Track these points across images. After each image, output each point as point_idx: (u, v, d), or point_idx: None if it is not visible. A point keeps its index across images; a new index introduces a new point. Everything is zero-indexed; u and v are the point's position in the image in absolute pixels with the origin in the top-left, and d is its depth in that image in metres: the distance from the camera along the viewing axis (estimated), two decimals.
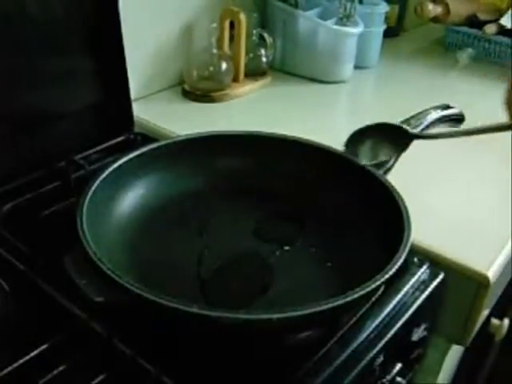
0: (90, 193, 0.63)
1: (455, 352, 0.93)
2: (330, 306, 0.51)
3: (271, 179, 0.76)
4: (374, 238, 0.66)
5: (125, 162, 0.70)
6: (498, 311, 0.96)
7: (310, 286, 0.65)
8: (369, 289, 0.53)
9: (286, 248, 0.69)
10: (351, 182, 0.72)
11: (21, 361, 0.53)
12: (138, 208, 0.71)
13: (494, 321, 0.95)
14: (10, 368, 0.52)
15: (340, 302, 0.51)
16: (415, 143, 0.77)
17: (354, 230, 0.69)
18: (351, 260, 0.66)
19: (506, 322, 0.96)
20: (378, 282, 0.54)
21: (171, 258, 0.67)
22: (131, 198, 0.71)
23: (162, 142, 0.76)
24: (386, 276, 0.55)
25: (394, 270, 0.56)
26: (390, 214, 0.65)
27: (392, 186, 0.68)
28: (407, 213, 0.63)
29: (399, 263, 0.57)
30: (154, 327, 0.56)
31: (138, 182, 0.72)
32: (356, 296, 0.52)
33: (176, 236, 0.70)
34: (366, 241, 0.67)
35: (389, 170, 0.75)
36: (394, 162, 0.75)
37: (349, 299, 0.52)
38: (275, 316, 0.50)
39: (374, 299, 0.63)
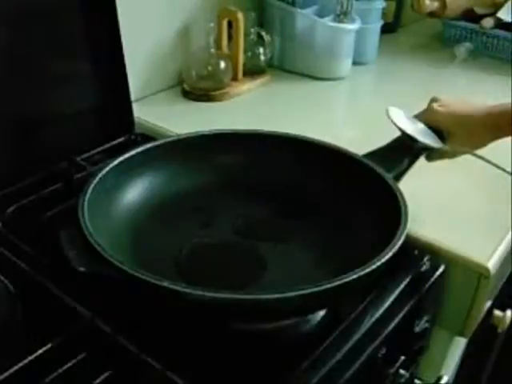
0: (97, 179, 0.66)
1: (459, 344, 0.94)
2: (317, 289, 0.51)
3: (272, 176, 0.77)
4: (371, 227, 0.67)
5: (126, 159, 0.72)
6: (501, 303, 0.96)
7: (305, 277, 0.65)
8: (369, 269, 0.54)
9: (284, 243, 0.70)
10: (349, 176, 0.73)
11: (27, 359, 0.53)
12: (139, 201, 0.72)
13: (497, 312, 0.96)
14: (17, 366, 0.53)
15: (336, 282, 0.52)
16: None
17: (350, 223, 0.70)
18: (349, 253, 0.66)
19: (509, 313, 0.96)
20: (378, 263, 0.54)
21: (169, 248, 0.68)
22: (134, 191, 0.72)
23: (163, 141, 0.77)
24: (386, 257, 0.55)
25: (391, 253, 0.56)
26: (385, 202, 0.65)
27: (387, 176, 0.69)
28: (402, 197, 0.64)
29: (397, 247, 0.57)
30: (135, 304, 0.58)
31: (141, 177, 0.74)
32: (349, 279, 0.53)
33: (177, 227, 0.71)
34: (363, 232, 0.67)
35: (401, 174, 0.74)
36: (407, 168, 0.75)
37: (346, 280, 0.52)
38: (239, 297, 0.51)
39: (374, 293, 0.64)
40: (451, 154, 0.79)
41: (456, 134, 0.76)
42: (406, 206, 0.63)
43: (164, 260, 0.66)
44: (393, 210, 0.63)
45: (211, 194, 0.76)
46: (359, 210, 0.70)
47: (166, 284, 0.51)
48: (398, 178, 0.72)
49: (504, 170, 0.73)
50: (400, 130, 0.75)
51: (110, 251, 0.55)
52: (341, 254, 0.66)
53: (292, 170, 0.77)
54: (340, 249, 0.67)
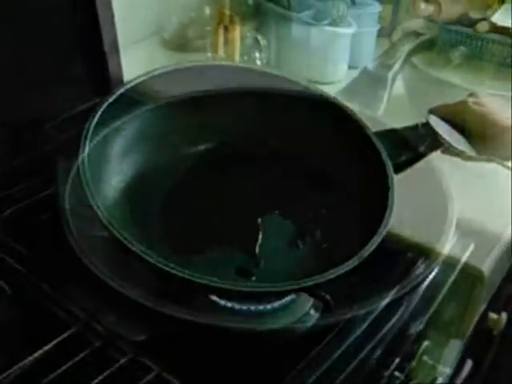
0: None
1: (454, 346, 0.94)
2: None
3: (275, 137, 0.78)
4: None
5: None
6: (496, 306, 0.97)
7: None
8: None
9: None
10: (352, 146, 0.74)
11: (23, 362, 0.54)
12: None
13: (492, 315, 0.96)
14: (11, 369, 0.53)
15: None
16: None
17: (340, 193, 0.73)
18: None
19: (504, 316, 0.97)
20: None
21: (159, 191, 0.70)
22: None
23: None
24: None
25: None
26: (379, 192, 0.67)
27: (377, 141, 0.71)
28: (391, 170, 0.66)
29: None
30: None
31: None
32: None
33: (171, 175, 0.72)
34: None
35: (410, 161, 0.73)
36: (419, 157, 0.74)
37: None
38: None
39: (368, 295, 0.64)
40: (466, 158, 0.77)
41: (477, 136, 0.74)
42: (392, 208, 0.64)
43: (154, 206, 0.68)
44: (381, 205, 0.64)
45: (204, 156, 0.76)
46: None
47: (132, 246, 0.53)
48: (405, 164, 0.72)
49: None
50: (437, 134, 0.74)
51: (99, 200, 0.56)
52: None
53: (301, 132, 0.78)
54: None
